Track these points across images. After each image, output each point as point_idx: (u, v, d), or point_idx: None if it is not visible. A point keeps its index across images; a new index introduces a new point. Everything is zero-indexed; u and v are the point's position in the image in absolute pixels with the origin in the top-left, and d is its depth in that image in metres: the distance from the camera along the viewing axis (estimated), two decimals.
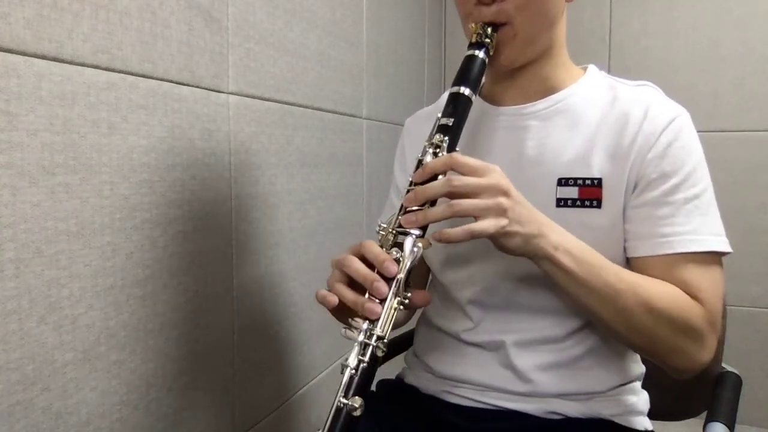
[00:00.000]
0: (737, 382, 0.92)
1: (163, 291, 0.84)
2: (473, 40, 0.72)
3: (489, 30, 0.71)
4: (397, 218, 0.64)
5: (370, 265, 0.62)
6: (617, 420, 0.78)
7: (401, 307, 0.62)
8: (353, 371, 0.59)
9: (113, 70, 0.74)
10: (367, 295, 0.61)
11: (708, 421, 0.81)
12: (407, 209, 0.64)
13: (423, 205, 0.63)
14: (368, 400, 0.59)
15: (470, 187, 0.61)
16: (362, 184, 1.51)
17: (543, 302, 0.76)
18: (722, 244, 0.71)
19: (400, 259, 0.62)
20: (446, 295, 0.85)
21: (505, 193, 0.62)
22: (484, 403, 0.80)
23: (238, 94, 0.99)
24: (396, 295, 0.61)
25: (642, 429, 0.81)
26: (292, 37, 1.14)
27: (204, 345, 0.94)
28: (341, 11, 1.34)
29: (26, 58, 0.62)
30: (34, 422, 0.66)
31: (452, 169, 0.63)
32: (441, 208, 0.62)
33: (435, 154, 0.65)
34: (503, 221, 0.61)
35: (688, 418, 1.00)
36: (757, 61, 1.90)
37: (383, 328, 0.60)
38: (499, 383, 0.78)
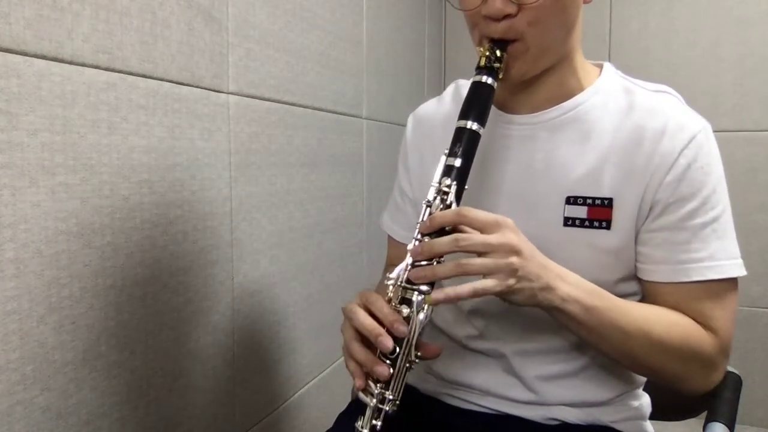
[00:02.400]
0: (737, 382, 0.92)
1: (163, 291, 0.84)
2: (482, 63, 0.67)
3: (498, 52, 0.66)
4: (406, 272, 0.62)
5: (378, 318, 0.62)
6: (618, 426, 0.77)
7: (411, 367, 0.62)
8: None
9: (113, 70, 0.74)
10: (378, 353, 0.61)
11: (708, 421, 0.81)
12: (415, 262, 0.62)
13: (431, 259, 0.62)
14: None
15: (479, 246, 0.59)
16: (362, 184, 1.51)
17: (543, 315, 0.74)
18: (737, 269, 0.69)
19: (411, 316, 0.60)
20: (453, 307, 0.83)
21: (517, 252, 0.60)
22: (484, 407, 0.79)
23: (238, 94, 0.99)
24: (407, 355, 0.61)
25: None
26: (292, 37, 1.14)
27: (204, 345, 0.94)
28: (341, 11, 1.34)
29: (26, 58, 0.62)
30: (34, 422, 0.66)
31: (461, 224, 0.61)
32: (449, 266, 0.60)
33: (443, 200, 0.63)
34: (511, 281, 0.60)
35: (688, 418, 1.00)
36: (757, 61, 1.90)
37: (395, 389, 0.61)
38: (504, 391, 0.78)
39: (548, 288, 0.62)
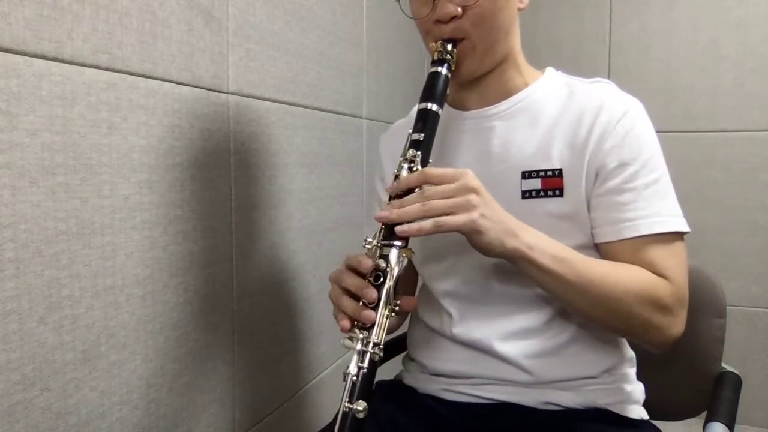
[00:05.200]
0: (737, 382, 0.92)
1: (163, 291, 0.84)
2: (435, 57, 0.76)
3: (449, 47, 0.76)
4: (381, 232, 0.68)
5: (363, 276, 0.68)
6: (613, 408, 0.80)
7: (392, 314, 0.66)
8: (354, 378, 0.63)
9: (113, 70, 0.74)
10: (361, 303, 0.66)
11: (708, 421, 0.81)
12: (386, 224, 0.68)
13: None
14: (369, 401, 0.63)
15: (442, 194, 0.66)
16: (362, 184, 1.51)
17: (518, 292, 0.79)
18: (682, 224, 0.75)
19: (387, 269, 0.66)
20: (429, 291, 0.87)
21: (475, 191, 0.66)
22: (481, 397, 0.81)
23: (238, 94, 0.99)
24: (387, 303, 0.66)
25: (638, 418, 0.82)
26: (292, 37, 1.14)
27: (204, 345, 0.94)
28: (341, 11, 1.34)
29: (26, 58, 0.62)
30: (34, 422, 0.66)
31: (426, 183, 0.68)
32: (416, 207, 0.66)
33: (410, 169, 0.70)
34: (473, 215, 0.65)
35: (688, 418, 1.00)
36: (757, 61, 1.90)
37: (378, 335, 0.64)
38: (492, 373, 0.80)
39: (514, 234, 0.68)
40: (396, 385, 0.92)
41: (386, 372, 0.89)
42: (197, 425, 0.94)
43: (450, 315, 0.83)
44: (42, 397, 0.67)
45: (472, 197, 0.65)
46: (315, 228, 1.27)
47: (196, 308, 0.92)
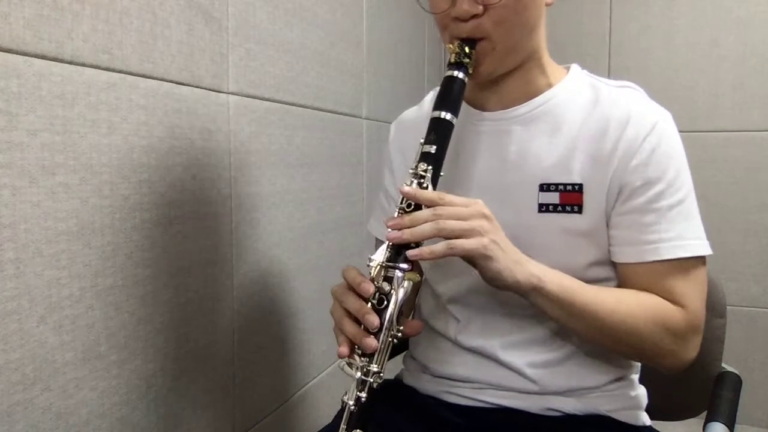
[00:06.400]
0: (737, 382, 0.92)
1: (163, 291, 0.84)
2: (452, 59, 0.72)
3: (467, 49, 0.71)
4: (387, 251, 0.66)
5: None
6: (615, 415, 0.79)
7: (395, 340, 0.65)
8: (353, 407, 0.62)
9: (113, 70, 0.74)
10: (363, 328, 0.64)
11: (708, 421, 0.81)
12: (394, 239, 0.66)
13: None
14: (367, 428, 0.62)
15: (455, 215, 0.64)
16: (362, 184, 1.51)
17: (524, 303, 0.76)
18: (704, 248, 0.73)
19: (392, 292, 0.64)
20: (435, 294, 0.86)
21: (487, 218, 0.65)
22: (483, 401, 0.80)
23: (238, 94, 0.99)
24: (389, 330, 0.64)
25: (641, 424, 0.81)
26: (292, 37, 1.14)
27: (204, 345, 0.94)
28: (341, 11, 1.34)
29: (26, 58, 0.62)
30: (34, 422, 0.66)
31: (440, 206, 0.65)
32: (428, 225, 0.63)
33: (420, 185, 0.67)
34: (484, 240, 0.63)
35: (688, 418, 1.00)
36: (757, 61, 1.89)
37: (379, 363, 0.63)
38: (496, 380, 0.79)
39: (522, 264, 0.66)
40: (397, 385, 0.92)
41: (386, 371, 0.89)
42: (197, 425, 0.94)
43: (456, 320, 0.82)
44: (42, 397, 0.67)
45: (484, 223, 0.64)
46: (315, 228, 1.27)
47: (196, 308, 0.92)
